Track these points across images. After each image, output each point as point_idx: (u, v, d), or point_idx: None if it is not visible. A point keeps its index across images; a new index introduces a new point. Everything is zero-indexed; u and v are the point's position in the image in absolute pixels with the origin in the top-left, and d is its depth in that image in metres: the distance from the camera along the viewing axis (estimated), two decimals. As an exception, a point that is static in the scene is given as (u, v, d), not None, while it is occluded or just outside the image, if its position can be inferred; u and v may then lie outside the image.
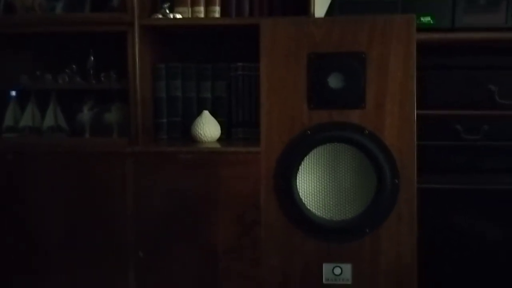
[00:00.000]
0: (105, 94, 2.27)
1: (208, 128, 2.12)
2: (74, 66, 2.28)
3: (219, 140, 2.15)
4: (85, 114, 2.29)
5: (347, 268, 1.40)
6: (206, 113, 2.13)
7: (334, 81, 1.37)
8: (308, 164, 1.41)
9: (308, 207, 1.40)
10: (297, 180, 1.39)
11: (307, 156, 1.39)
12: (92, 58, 2.29)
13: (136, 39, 2.07)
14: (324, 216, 1.40)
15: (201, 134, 2.12)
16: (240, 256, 1.93)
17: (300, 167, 1.38)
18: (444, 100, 1.94)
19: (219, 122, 2.14)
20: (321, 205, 1.42)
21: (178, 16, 2.15)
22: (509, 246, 1.90)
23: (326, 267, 1.40)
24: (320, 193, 1.42)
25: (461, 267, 1.94)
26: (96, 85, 2.23)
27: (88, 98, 2.30)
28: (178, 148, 1.98)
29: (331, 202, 1.42)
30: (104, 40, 2.22)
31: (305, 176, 1.42)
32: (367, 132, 1.38)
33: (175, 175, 1.93)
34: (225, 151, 1.95)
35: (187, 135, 2.16)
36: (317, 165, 1.42)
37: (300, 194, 1.40)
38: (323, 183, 1.41)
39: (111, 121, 2.27)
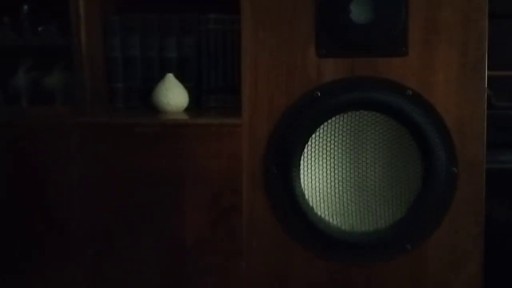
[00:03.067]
0: (45, 52, 1.89)
1: (173, 94, 1.77)
2: (5, 18, 1.85)
3: (187, 109, 1.82)
4: (21, 78, 1.90)
5: (377, 303, 0.82)
6: (170, 76, 1.78)
7: (359, 12, 0.84)
8: (318, 145, 0.89)
9: (317, 212, 0.88)
10: (301, 170, 0.88)
11: (316, 132, 0.88)
12: (27, 7, 1.87)
13: (78, -18, 1.71)
14: (341, 226, 0.89)
15: (164, 103, 1.77)
16: (215, 247, 1.65)
17: (305, 150, 0.88)
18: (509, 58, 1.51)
19: (186, 87, 1.80)
20: (336, 209, 0.89)
21: (134, -48, 1.80)
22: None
23: (345, 302, 0.82)
24: (336, 191, 0.89)
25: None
26: (33, 41, 1.85)
27: (24, 58, 1.89)
28: (136, 119, 1.69)
29: (353, 204, 0.89)
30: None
31: (312, 163, 0.89)
32: (410, 92, 0.85)
33: (133, 153, 1.64)
34: (194, 123, 1.66)
35: (149, 104, 1.86)
36: (331, 146, 0.89)
37: (305, 191, 0.88)
38: (340, 174, 0.89)
39: (53, 86, 1.89)
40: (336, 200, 0.89)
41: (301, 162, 0.87)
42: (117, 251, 1.65)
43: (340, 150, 0.89)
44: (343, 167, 0.89)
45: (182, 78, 1.81)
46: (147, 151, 1.63)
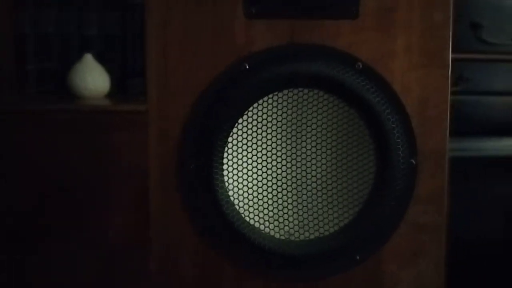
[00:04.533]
0: None
1: (92, 78, 1.60)
2: None
3: (109, 95, 1.67)
4: None
5: (321, 328, 0.66)
6: (88, 57, 1.61)
7: (298, -38, 0.67)
8: (246, 132, 0.69)
9: (245, 217, 0.69)
10: (225, 165, 0.68)
11: (244, 116, 0.68)
12: None
13: None
14: (276, 234, 0.70)
15: (81, 87, 1.59)
16: (144, 252, 1.36)
17: (230, 138, 0.68)
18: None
19: (109, 70, 1.63)
20: (269, 213, 0.70)
21: None
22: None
23: (281, 329, 0.64)
24: (269, 190, 0.70)
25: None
26: None
27: None
28: (48, 105, 1.53)
29: (290, 207, 0.70)
30: None
31: (240, 155, 0.70)
32: (360, 65, 0.66)
33: (46, 144, 1.47)
34: (116, 110, 1.52)
35: (66, 88, 1.67)
36: (264, 133, 0.70)
37: (231, 191, 0.68)
38: (274, 169, 0.70)
39: (-50, 67, 1.72)
40: (270, 201, 0.70)
41: (226, 154, 0.68)
42: (30, 257, 1.49)
43: (274, 139, 0.70)
44: (278, 160, 0.70)
45: (104, 59, 1.64)
46: (62, 142, 1.46)
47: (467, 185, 1.41)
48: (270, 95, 0.67)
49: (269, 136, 0.69)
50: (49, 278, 1.51)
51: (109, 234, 1.47)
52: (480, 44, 1.43)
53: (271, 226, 0.69)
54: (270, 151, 0.69)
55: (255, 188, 0.70)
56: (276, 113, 0.68)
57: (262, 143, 0.69)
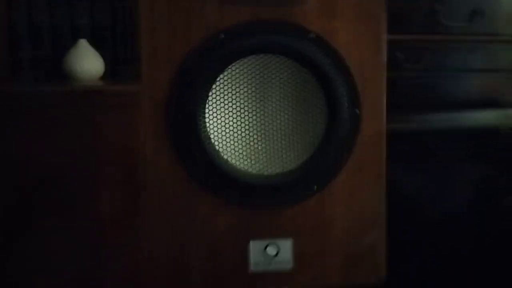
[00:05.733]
0: None
1: (87, 61, 1.61)
2: None
3: (103, 79, 1.67)
4: None
5: (287, 245, 0.89)
6: (83, 42, 1.62)
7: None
8: (223, 90, 0.87)
9: (224, 156, 0.87)
10: (206, 115, 0.86)
11: (221, 76, 0.86)
12: None
13: None
14: (249, 169, 0.88)
15: (77, 70, 1.60)
16: (134, 225, 1.44)
17: (210, 95, 0.86)
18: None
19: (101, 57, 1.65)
20: (243, 153, 0.88)
21: None
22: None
23: (255, 246, 0.88)
24: (243, 135, 0.88)
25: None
26: None
27: None
28: (42, 87, 1.52)
29: (260, 148, 0.89)
30: None
31: (218, 108, 0.88)
32: (313, 35, 0.86)
33: (39, 124, 1.44)
34: (107, 90, 1.49)
35: (60, 74, 1.63)
36: (238, 90, 0.88)
37: (212, 136, 0.87)
38: (247, 119, 0.88)
39: (-50, 55, 1.67)
40: (244, 144, 0.88)
41: (207, 107, 0.85)
42: (23, 236, 1.41)
43: (246, 94, 0.88)
44: (250, 111, 0.88)
45: (95, 47, 1.59)
46: (55, 122, 1.40)
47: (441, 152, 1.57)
48: (242, 59, 0.85)
49: (242, 91, 0.87)
50: (43, 254, 1.61)
51: (101, 209, 1.46)
52: (439, 27, 1.61)
53: (245, 163, 0.87)
54: (243, 103, 0.87)
55: (232, 133, 0.87)
56: (246, 73, 0.86)
57: (237, 97, 0.87)
